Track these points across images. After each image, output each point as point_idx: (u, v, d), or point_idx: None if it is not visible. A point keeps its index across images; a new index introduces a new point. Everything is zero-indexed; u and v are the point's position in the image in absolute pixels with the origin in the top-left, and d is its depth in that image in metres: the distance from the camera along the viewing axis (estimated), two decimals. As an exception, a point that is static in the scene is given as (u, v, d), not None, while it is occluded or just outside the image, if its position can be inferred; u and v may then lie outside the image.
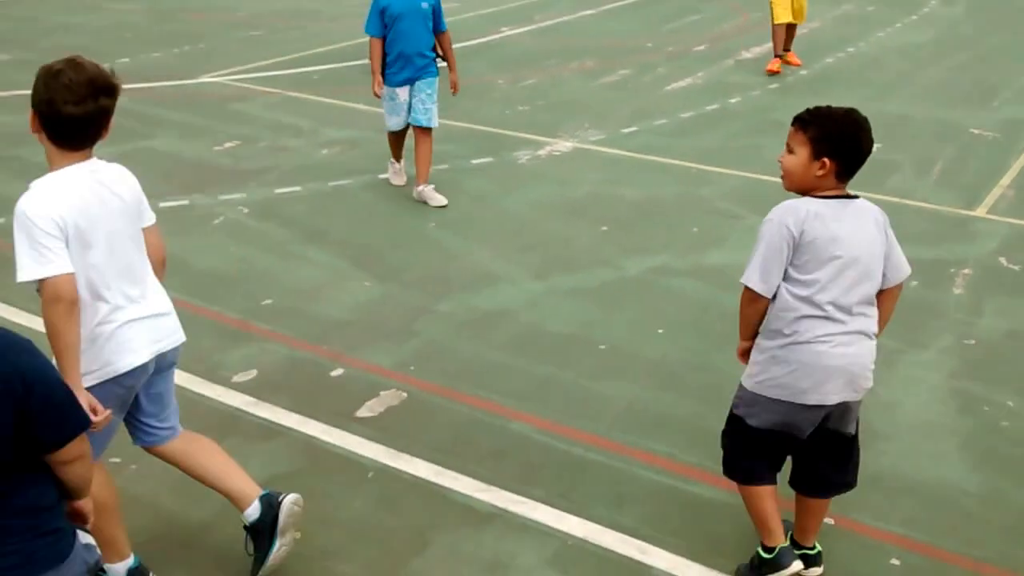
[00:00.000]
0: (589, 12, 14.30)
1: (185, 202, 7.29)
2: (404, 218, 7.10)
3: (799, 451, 3.60)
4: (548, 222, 7.04)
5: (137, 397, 3.51)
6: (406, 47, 7.07)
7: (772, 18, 11.09)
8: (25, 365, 2.38)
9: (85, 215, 3.19)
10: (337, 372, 5.11)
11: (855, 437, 3.61)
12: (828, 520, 3.90)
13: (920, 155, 8.51)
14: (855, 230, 3.37)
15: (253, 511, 3.60)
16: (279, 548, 3.60)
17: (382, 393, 4.92)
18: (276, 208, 7.23)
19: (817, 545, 3.74)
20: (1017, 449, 4.56)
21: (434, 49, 7.28)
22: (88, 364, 3.17)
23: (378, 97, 7.32)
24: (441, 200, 7.27)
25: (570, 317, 5.70)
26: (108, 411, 3.17)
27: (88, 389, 3.14)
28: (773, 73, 10.90)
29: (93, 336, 3.22)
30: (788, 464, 3.70)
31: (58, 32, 13.02)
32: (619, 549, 3.88)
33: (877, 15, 14.82)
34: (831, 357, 3.35)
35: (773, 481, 3.63)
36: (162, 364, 3.49)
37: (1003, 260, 6.52)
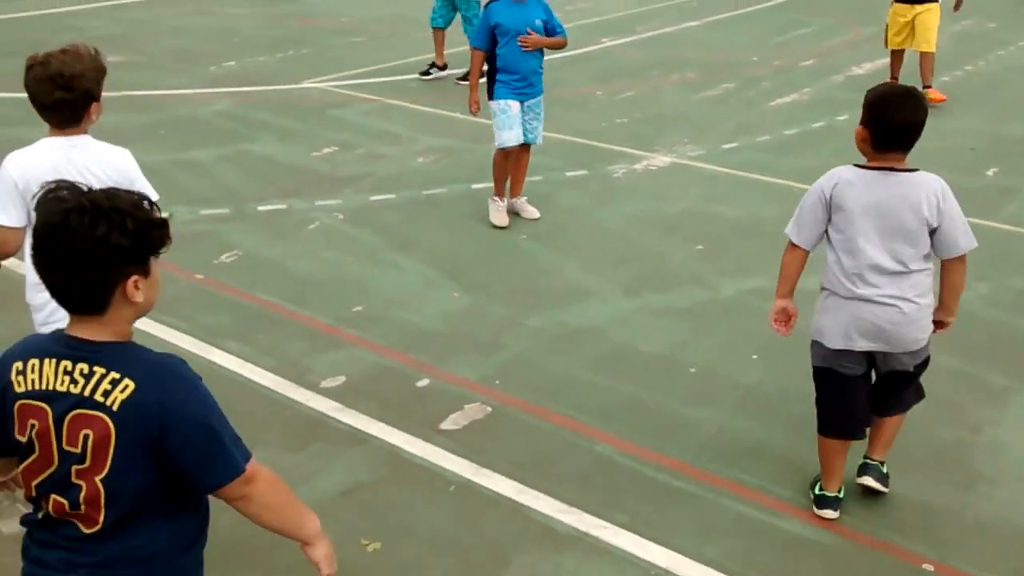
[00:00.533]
0: (693, 24, 14.12)
1: (283, 206, 7.35)
2: (496, 229, 7.05)
3: (869, 399, 4.01)
4: (642, 238, 6.93)
5: None
6: (520, 64, 6.91)
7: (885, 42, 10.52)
8: (168, 401, 2.25)
9: (39, 178, 3.22)
10: (423, 382, 5.08)
11: (918, 370, 3.98)
12: (927, 566, 3.72)
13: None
14: (891, 198, 3.70)
15: None
16: None
17: (467, 406, 4.88)
18: (370, 215, 7.25)
19: (885, 467, 4.17)
20: None
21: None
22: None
23: (474, 114, 7.26)
24: (534, 213, 7.21)
25: (661, 337, 5.59)
26: None
27: None
28: (937, 102, 9.89)
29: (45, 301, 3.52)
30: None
31: (168, 35, 13.33)
32: (703, 582, 3.77)
33: (999, 32, 14.30)
34: (860, 310, 3.78)
35: (840, 436, 4.03)
36: None
37: (1121, 295, 6.20)
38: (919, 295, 3.78)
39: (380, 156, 8.55)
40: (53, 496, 2.29)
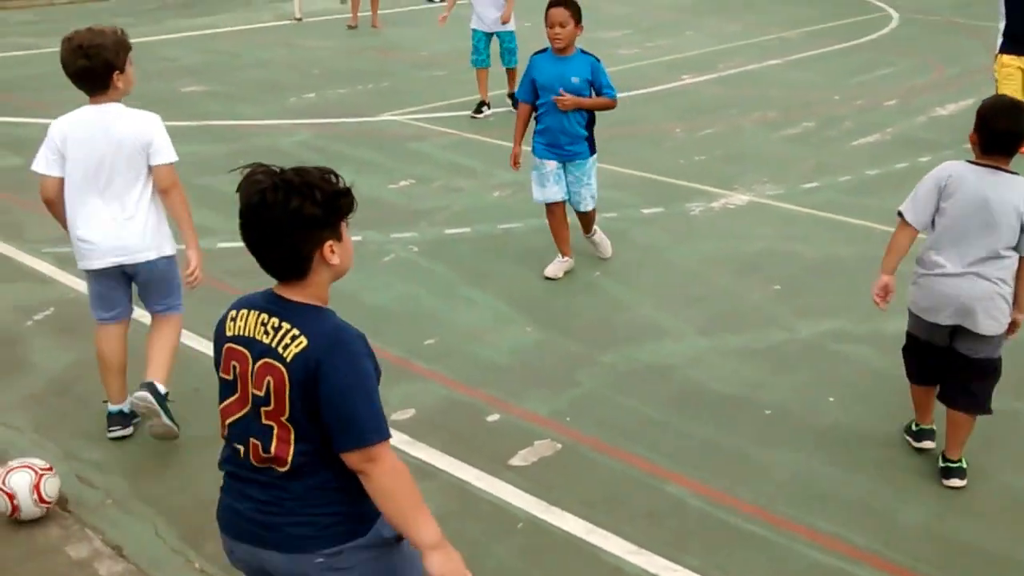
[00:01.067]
0: (775, 62, 14.00)
1: (359, 238, 7.41)
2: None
3: (941, 368, 4.54)
4: (718, 277, 6.84)
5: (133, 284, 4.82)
6: (552, 122, 6.53)
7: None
8: (325, 362, 2.49)
9: (73, 137, 4.48)
10: (493, 417, 5.06)
11: (982, 366, 4.43)
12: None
13: None
14: (994, 193, 4.25)
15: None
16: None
17: (536, 443, 4.84)
18: (445, 248, 7.28)
19: (962, 461, 4.52)
20: None
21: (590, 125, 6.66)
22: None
23: (514, 168, 6.91)
24: (605, 252, 7.13)
25: (735, 377, 5.50)
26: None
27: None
28: None
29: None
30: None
31: (251, 66, 13.61)
32: (774, 631, 3.67)
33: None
34: (946, 286, 4.35)
35: (924, 383, 4.67)
36: (133, 273, 4.71)
37: None
38: (1001, 279, 4.33)
39: (456, 189, 8.59)
40: (251, 439, 2.59)
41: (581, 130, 6.59)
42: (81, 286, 6.51)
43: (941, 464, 4.57)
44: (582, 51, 6.65)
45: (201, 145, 9.28)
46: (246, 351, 2.59)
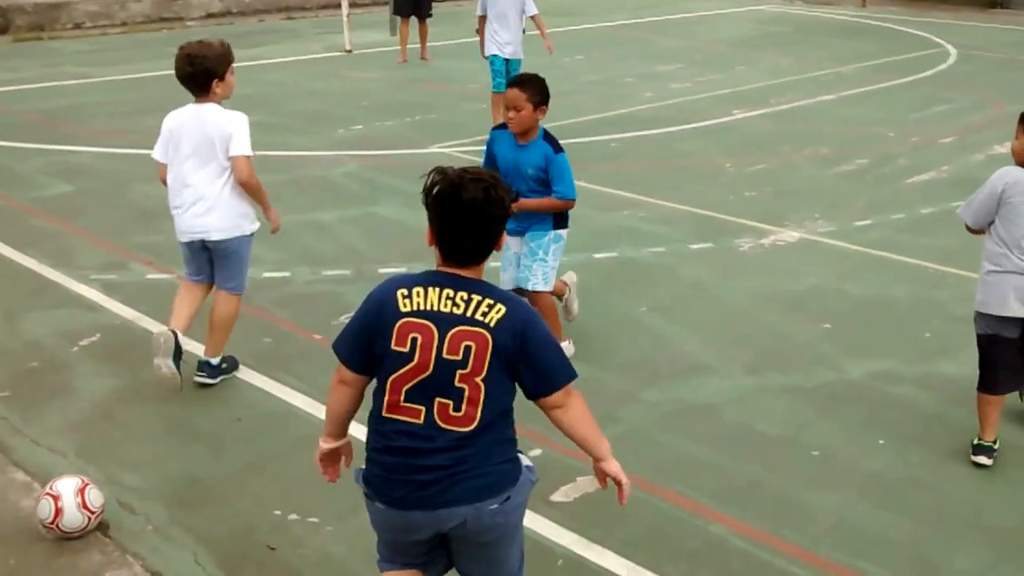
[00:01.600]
0: (828, 97, 13.89)
1: (404, 269, 7.41)
2: (615, 300, 6.96)
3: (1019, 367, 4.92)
4: (766, 315, 6.74)
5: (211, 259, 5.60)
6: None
7: None
8: (527, 321, 3.01)
9: (176, 130, 5.42)
10: (535, 452, 5.00)
11: None
12: None
13: None
14: None
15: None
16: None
17: (579, 479, 4.77)
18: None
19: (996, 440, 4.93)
20: None
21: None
22: None
23: None
24: (573, 313, 6.40)
25: (782, 417, 5.39)
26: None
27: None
28: None
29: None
30: None
31: (301, 97, 13.75)
32: None
33: None
34: (1017, 281, 4.73)
35: (994, 393, 4.92)
36: (212, 248, 5.52)
37: None
38: None
39: (503, 222, 8.56)
40: (438, 400, 2.94)
41: (547, 216, 5.75)
42: (128, 313, 6.59)
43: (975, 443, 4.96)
44: (544, 135, 5.69)
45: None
46: (429, 323, 2.95)
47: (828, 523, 4.48)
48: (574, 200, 5.70)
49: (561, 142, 5.73)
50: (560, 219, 5.80)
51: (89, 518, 4.29)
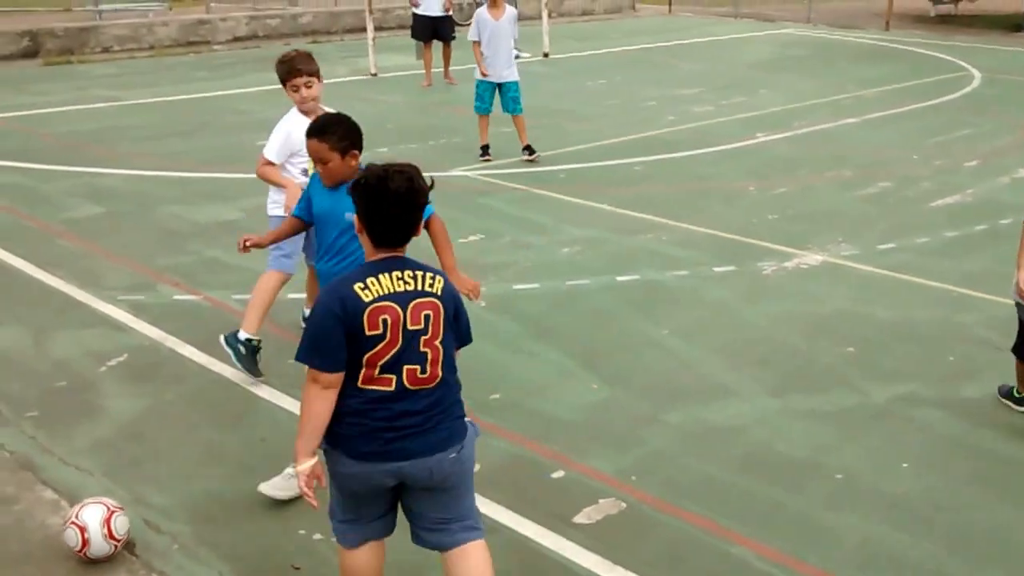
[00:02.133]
0: (851, 120, 13.88)
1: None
2: (638, 322, 6.97)
3: None
4: (788, 338, 6.74)
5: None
6: (349, 260, 4.71)
7: None
8: (455, 289, 3.52)
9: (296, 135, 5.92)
10: (558, 474, 5.02)
11: None
12: None
13: None
14: None
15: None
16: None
17: (601, 501, 4.78)
18: (512, 303, 7.28)
19: None
20: None
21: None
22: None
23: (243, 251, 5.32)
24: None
25: (804, 440, 5.39)
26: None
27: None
28: None
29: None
30: None
31: (330, 121, 13.81)
32: None
33: None
34: None
35: None
36: None
37: None
38: None
39: (525, 245, 8.61)
40: (406, 367, 3.33)
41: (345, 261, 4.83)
42: (155, 334, 6.66)
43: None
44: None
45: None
46: (392, 303, 3.30)
47: (851, 546, 4.48)
48: None
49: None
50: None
51: (115, 547, 4.33)
